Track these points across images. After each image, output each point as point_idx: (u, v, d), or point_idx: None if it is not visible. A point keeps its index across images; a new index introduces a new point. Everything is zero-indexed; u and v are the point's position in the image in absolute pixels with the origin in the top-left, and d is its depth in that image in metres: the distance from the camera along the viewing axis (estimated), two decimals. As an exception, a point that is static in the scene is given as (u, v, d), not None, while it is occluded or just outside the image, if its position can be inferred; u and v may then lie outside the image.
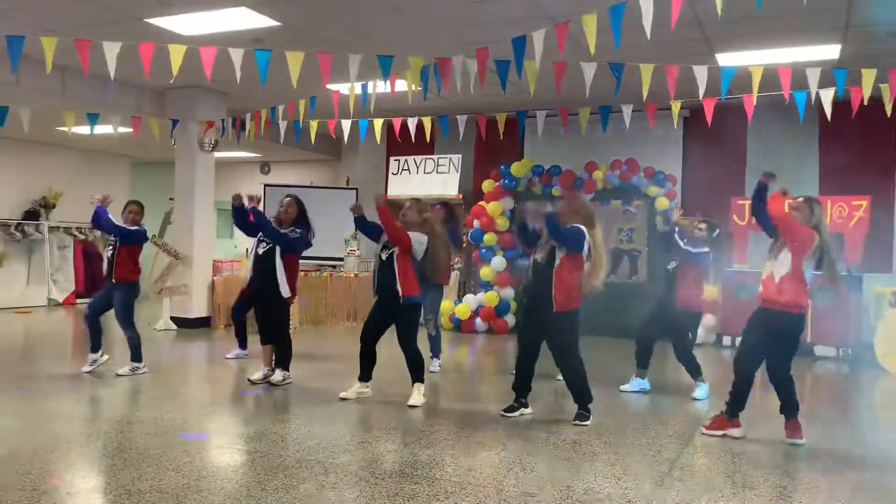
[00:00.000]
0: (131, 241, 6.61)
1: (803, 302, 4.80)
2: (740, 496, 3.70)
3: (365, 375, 5.92)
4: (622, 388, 6.39)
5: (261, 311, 6.47)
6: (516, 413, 5.38)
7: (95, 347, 6.75)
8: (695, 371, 6.24)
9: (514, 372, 5.51)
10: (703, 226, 6.31)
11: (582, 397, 5.25)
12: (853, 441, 4.93)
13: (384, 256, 5.72)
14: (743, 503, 3.60)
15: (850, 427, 5.36)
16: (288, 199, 6.45)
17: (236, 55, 6.13)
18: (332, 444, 4.50)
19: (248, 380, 6.43)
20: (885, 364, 7.83)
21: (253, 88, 9.70)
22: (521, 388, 5.44)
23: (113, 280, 6.56)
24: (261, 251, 6.29)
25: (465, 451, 4.43)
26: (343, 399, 5.78)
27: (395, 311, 5.70)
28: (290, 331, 6.57)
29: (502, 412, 5.39)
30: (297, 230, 6.30)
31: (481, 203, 10.92)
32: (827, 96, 6.58)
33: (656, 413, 5.61)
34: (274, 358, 6.46)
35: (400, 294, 5.61)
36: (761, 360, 4.88)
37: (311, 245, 6.45)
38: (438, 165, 11.64)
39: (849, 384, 7.28)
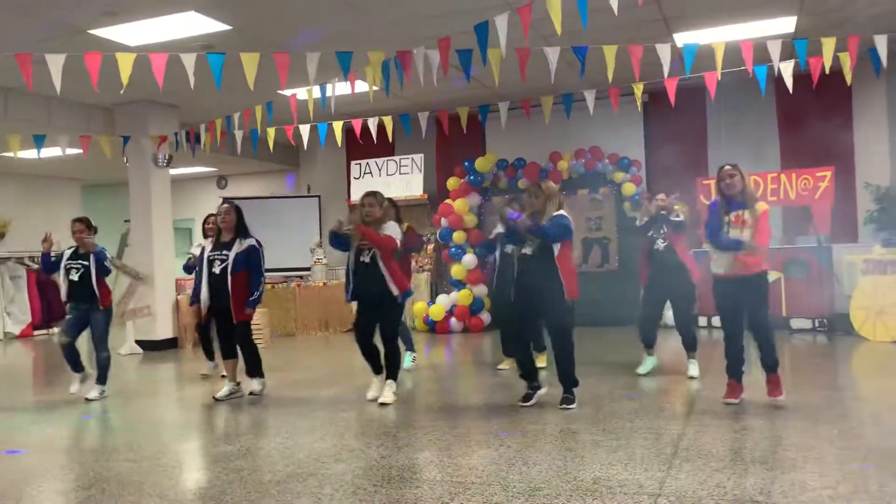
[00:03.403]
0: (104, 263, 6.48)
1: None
2: (752, 471, 3.60)
3: (377, 369, 5.82)
4: (639, 371, 6.40)
5: (223, 327, 6.21)
6: (533, 400, 5.35)
7: (78, 369, 6.56)
8: (692, 344, 6.21)
9: (517, 365, 5.50)
10: (678, 206, 6.38)
11: (572, 381, 5.27)
12: (851, 410, 4.89)
13: (366, 258, 5.59)
14: (756, 479, 3.50)
15: (845, 395, 5.33)
16: (226, 206, 6.24)
17: (188, 61, 5.89)
18: (322, 455, 4.29)
19: (214, 398, 6.19)
20: (862, 332, 7.88)
21: (205, 99, 9.44)
22: (530, 374, 5.43)
23: (100, 307, 6.37)
24: (217, 270, 6.09)
25: (463, 450, 4.27)
26: (376, 400, 5.62)
27: (385, 309, 5.64)
28: (260, 346, 6.40)
29: (520, 402, 5.35)
30: (252, 246, 6.10)
31: (447, 201, 10.77)
32: (787, 69, 6.58)
33: (648, 396, 5.53)
34: (246, 369, 6.27)
35: (395, 293, 5.57)
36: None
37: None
38: (401, 166, 11.47)
39: (830, 354, 7.29)
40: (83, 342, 6.55)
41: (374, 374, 5.87)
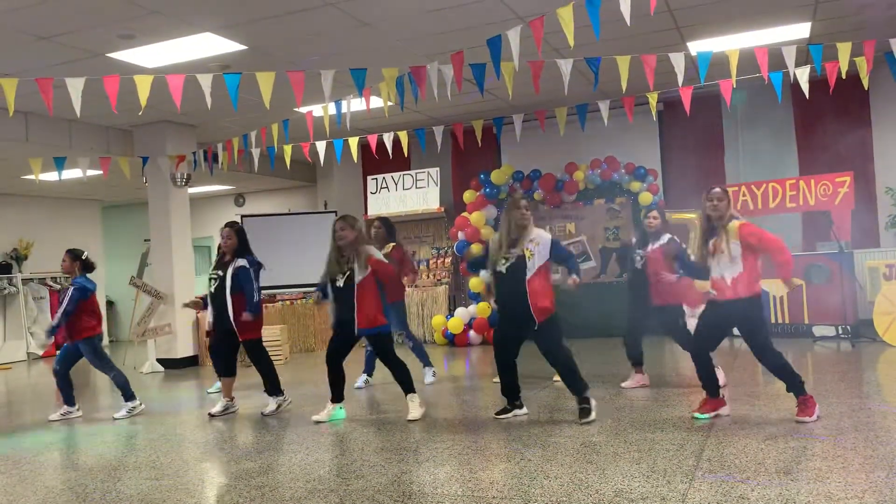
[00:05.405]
0: (80, 298, 6.40)
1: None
2: (776, 482, 3.55)
3: (337, 396, 5.79)
4: (623, 384, 6.33)
5: (223, 345, 6.27)
6: (509, 415, 5.38)
7: (68, 402, 6.67)
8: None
9: (500, 379, 5.48)
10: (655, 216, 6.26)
11: (577, 388, 5.17)
12: (876, 418, 4.82)
13: (340, 283, 5.55)
14: (780, 489, 3.45)
15: (870, 402, 5.25)
16: (227, 230, 6.29)
17: (205, 81, 5.96)
18: (343, 471, 4.30)
19: (209, 413, 6.32)
20: (886, 338, 7.77)
21: (222, 118, 9.55)
22: (511, 393, 5.43)
23: (73, 340, 6.44)
24: (213, 288, 6.21)
25: (483, 465, 4.25)
26: (317, 422, 5.67)
27: (357, 338, 5.63)
28: (280, 362, 6.43)
29: (495, 415, 5.42)
30: (248, 265, 6.14)
31: (464, 214, 10.79)
32: (802, 75, 6.55)
33: (668, 407, 5.48)
34: (264, 387, 6.32)
35: (356, 326, 5.50)
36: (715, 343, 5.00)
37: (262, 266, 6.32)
38: (417, 180, 11.51)
39: (854, 361, 7.19)
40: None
41: (330, 402, 5.78)
